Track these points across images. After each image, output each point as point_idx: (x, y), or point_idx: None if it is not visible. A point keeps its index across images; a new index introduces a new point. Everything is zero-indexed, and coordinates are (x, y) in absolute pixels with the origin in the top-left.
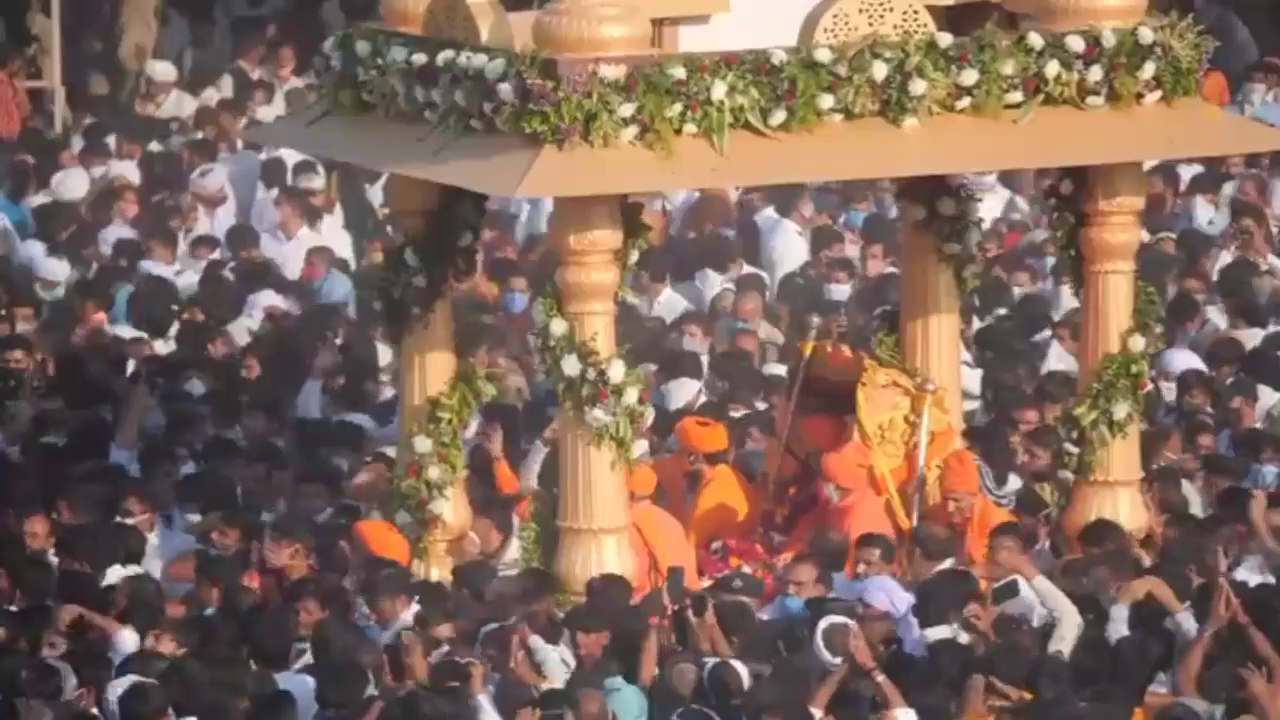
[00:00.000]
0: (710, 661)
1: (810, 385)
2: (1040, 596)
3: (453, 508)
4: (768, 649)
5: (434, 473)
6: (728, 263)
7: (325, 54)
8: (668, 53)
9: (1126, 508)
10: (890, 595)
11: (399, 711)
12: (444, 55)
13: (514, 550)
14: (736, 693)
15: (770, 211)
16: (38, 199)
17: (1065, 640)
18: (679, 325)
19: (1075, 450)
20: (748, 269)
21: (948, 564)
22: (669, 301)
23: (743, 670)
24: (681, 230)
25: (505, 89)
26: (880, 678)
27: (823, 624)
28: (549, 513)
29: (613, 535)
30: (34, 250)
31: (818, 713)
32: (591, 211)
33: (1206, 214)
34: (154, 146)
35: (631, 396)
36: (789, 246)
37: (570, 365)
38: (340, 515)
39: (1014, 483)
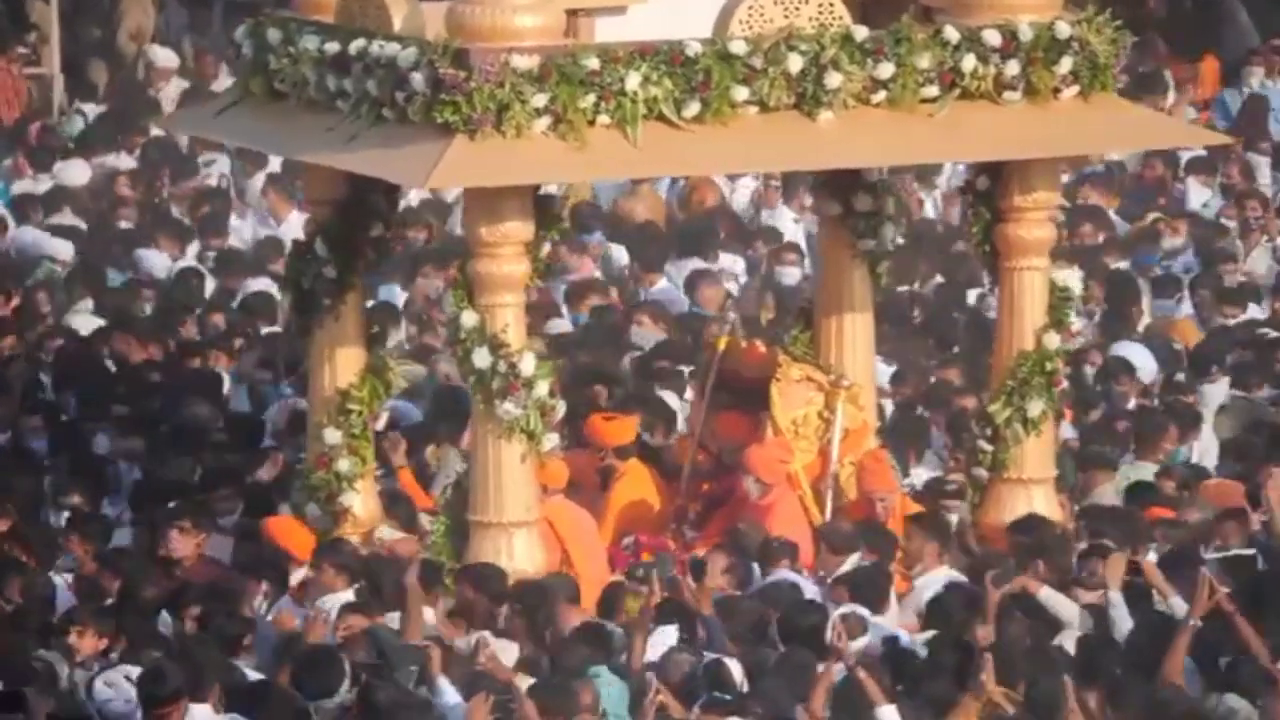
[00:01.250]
0: (709, 656)
1: (724, 380)
2: (1047, 604)
3: (362, 500)
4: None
5: (344, 465)
6: (714, 251)
7: (237, 41)
8: (582, 43)
9: (1041, 505)
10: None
11: (357, 695)
12: (356, 44)
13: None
14: (731, 690)
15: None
16: (41, 184)
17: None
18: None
19: (989, 448)
20: (726, 257)
21: (854, 558)
22: (664, 290)
23: (737, 668)
24: (677, 216)
25: (417, 78)
26: (862, 674)
27: (836, 614)
28: (460, 506)
29: (523, 529)
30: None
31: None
32: (503, 203)
33: (1201, 197)
34: (156, 133)
35: (542, 389)
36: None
37: (481, 358)
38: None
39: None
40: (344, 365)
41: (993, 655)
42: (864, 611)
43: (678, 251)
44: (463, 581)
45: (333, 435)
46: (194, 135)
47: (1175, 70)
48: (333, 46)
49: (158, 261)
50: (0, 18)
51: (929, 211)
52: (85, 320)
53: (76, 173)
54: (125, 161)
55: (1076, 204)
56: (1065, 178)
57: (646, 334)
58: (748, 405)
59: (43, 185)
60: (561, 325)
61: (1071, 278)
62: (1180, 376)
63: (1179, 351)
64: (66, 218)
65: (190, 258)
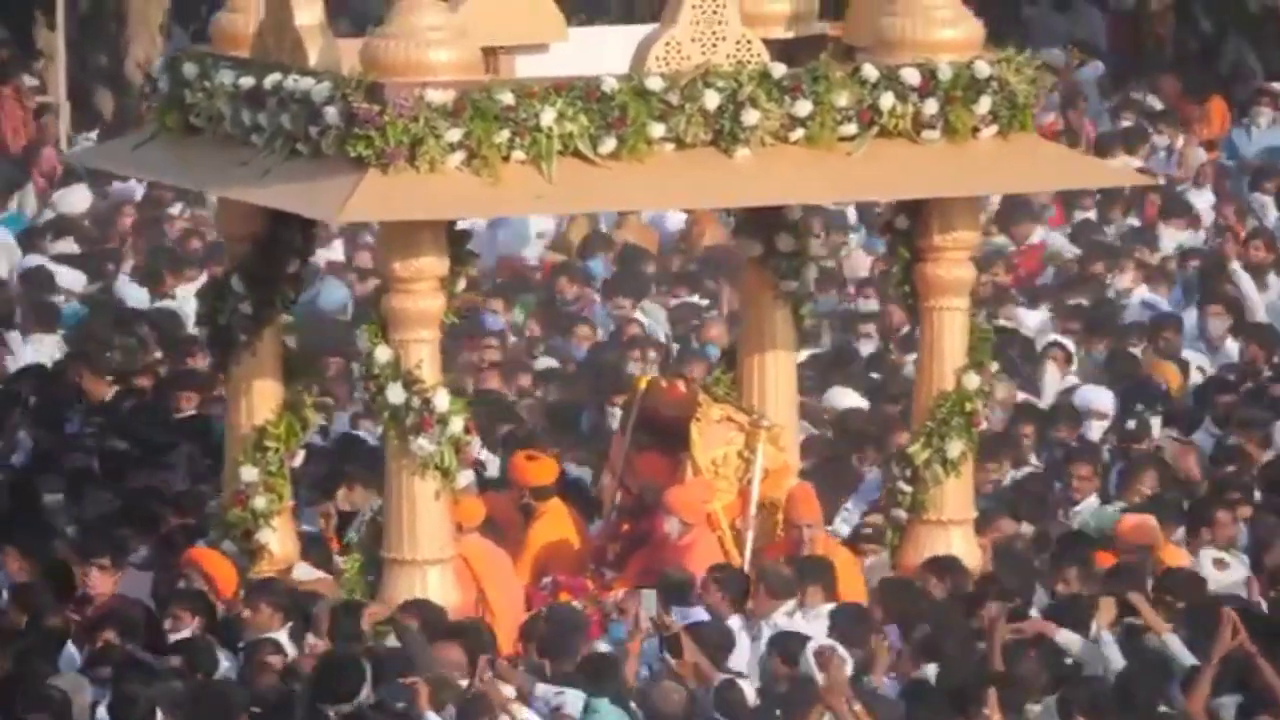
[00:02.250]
0: (719, 678)
1: (645, 420)
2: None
3: (279, 538)
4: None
5: (260, 502)
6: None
7: (153, 76)
8: (497, 78)
9: (960, 546)
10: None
11: None
12: (271, 78)
13: None
14: (743, 712)
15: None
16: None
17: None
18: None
19: (908, 489)
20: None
21: (789, 604)
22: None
23: (749, 689)
24: (675, 248)
25: (331, 112)
26: (857, 706)
27: (811, 645)
28: (373, 542)
29: (436, 566)
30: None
31: None
32: (418, 237)
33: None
34: None
35: (456, 426)
36: None
37: (395, 393)
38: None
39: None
40: (261, 402)
41: (999, 688)
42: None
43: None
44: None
45: (249, 473)
46: (107, 170)
47: (1183, 110)
48: (247, 81)
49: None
50: (7, 46)
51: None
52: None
53: (77, 200)
54: (136, 190)
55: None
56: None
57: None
58: (668, 445)
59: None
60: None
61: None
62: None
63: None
64: (69, 246)
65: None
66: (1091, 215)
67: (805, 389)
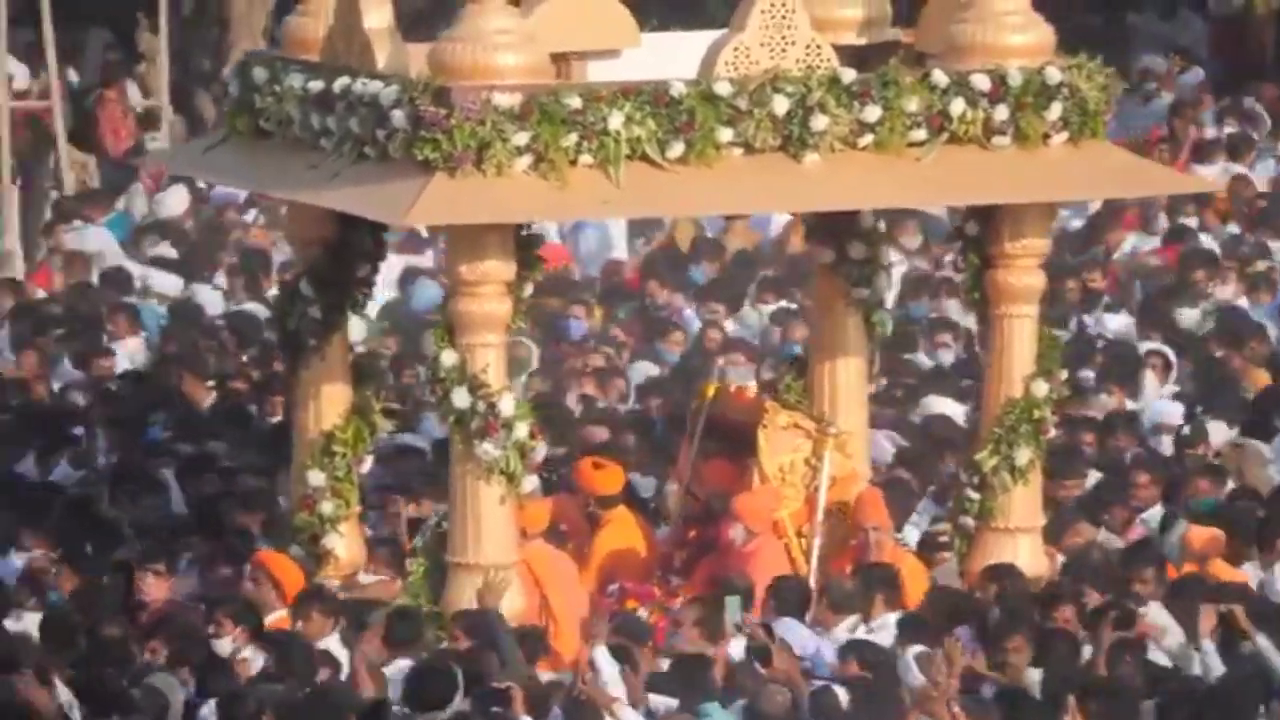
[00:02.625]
0: (816, 684)
1: (712, 427)
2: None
3: (346, 543)
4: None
5: (327, 507)
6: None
7: (224, 80)
8: (564, 82)
9: (1027, 554)
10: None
11: None
12: (340, 82)
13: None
14: (838, 717)
15: None
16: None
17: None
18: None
19: (976, 496)
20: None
21: (852, 620)
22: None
23: (843, 695)
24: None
25: (398, 116)
26: (956, 708)
27: (912, 650)
28: (438, 547)
29: (501, 571)
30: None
31: None
32: (485, 241)
33: None
34: None
35: (522, 431)
36: None
37: (460, 398)
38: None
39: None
40: (329, 406)
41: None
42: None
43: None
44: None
45: (316, 477)
46: (180, 173)
47: None
48: (316, 85)
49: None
50: (111, 50)
51: None
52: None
53: (175, 203)
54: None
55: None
56: None
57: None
58: (735, 452)
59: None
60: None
61: None
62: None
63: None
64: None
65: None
66: (1192, 222)
67: (901, 399)
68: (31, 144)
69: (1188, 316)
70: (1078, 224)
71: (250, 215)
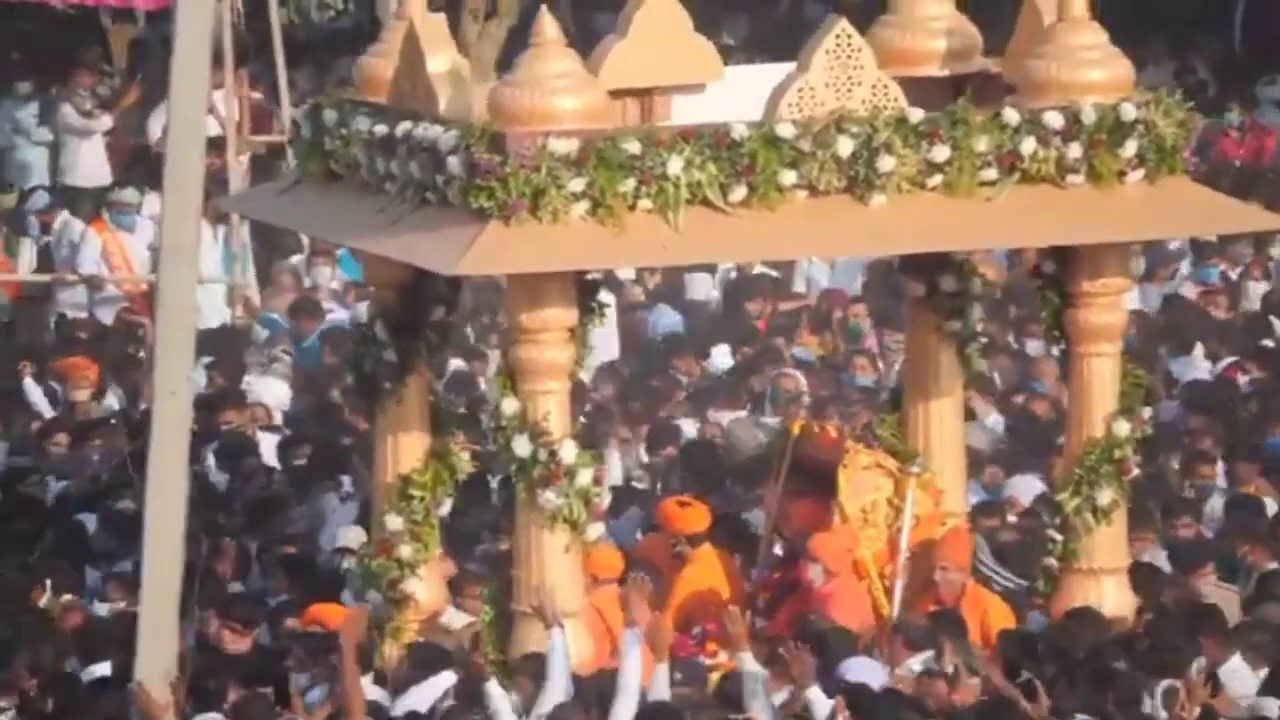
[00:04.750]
0: None
1: (798, 466)
2: None
3: (426, 586)
4: None
5: (405, 551)
6: None
7: (296, 121)
8: (622, 127)
9: (1112, 596)
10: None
11: None
12: (403, 126)
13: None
14: None
15: None
16: None
17: None
18: None
19: (1059, 537)
20: None
21: (926, 655)
22: None
23: None
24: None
25: (454, 162)
26: None
27: (1162, 685)
28: (504, 595)
29: (567, 620)
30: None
31: None
32: (544, 288)
33: None
34: None
35: (585, 478)
36: None
37: (521, 446)
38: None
39: None
40: (407, 450)
41: None
42: None
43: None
44: None
45: (394, 521)
46: (253, 217)
47: None
48: (381, 128)
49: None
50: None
51: None
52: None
53: None
54: None
55: None
56: None
57: None
58: (820, 491)
59: None
60: None
61: None
62: None
63: None
64: None
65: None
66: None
67: None
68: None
69: None
70: None
71: None
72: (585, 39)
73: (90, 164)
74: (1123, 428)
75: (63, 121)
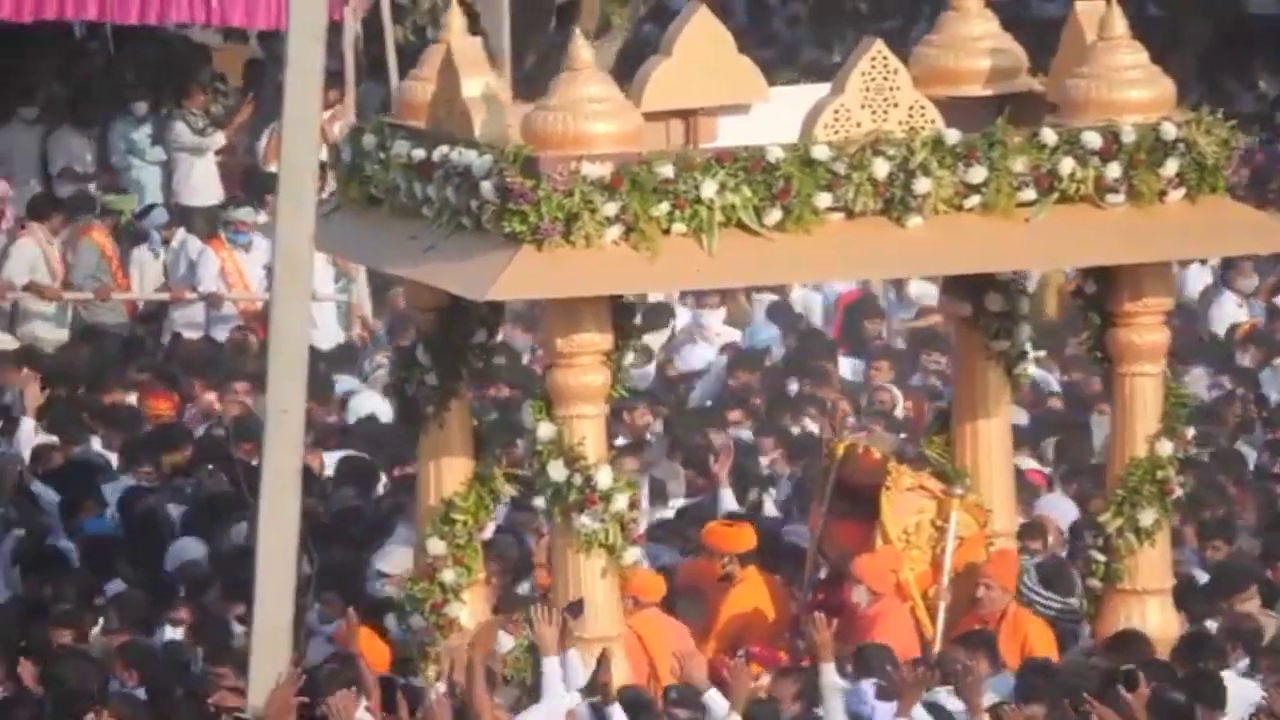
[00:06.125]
0: None
1: (842, 487)
2: None
3: (470, 610)
4: None
5: (449, 575)
6: None
7: (337, 147)
8: (656, 150)
9: (1156, 617)
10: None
11: None
12: (439, 151)
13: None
14: None
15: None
16: None
17: None
18: None
19: (1102, 558)
20: None
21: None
22: None
23: None
24: None
25: (487, 187)
26: None
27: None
28: None
29: (604, 645)
30: None
31: None
32: (579, 312)
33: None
34: None
35: (620, 503)
36: (1225, 318)
37: (557, 471)
38: None
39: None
40: (449, 474)
41: None
42: None
43: None
44: None
45: (436, 546)
46: None
47: None
48: (419, 153)
49: None
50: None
51: None
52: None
53: None
54: None
55: None
56: None
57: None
58: (865, 513)
59: None
60: None
61: None
62: None
63: None
64: None
65: None
66: None
67: None
68: None
69: None
70: None
71: None
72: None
73: (202, 182)
74: (1165, 448)
75: (176, 139)
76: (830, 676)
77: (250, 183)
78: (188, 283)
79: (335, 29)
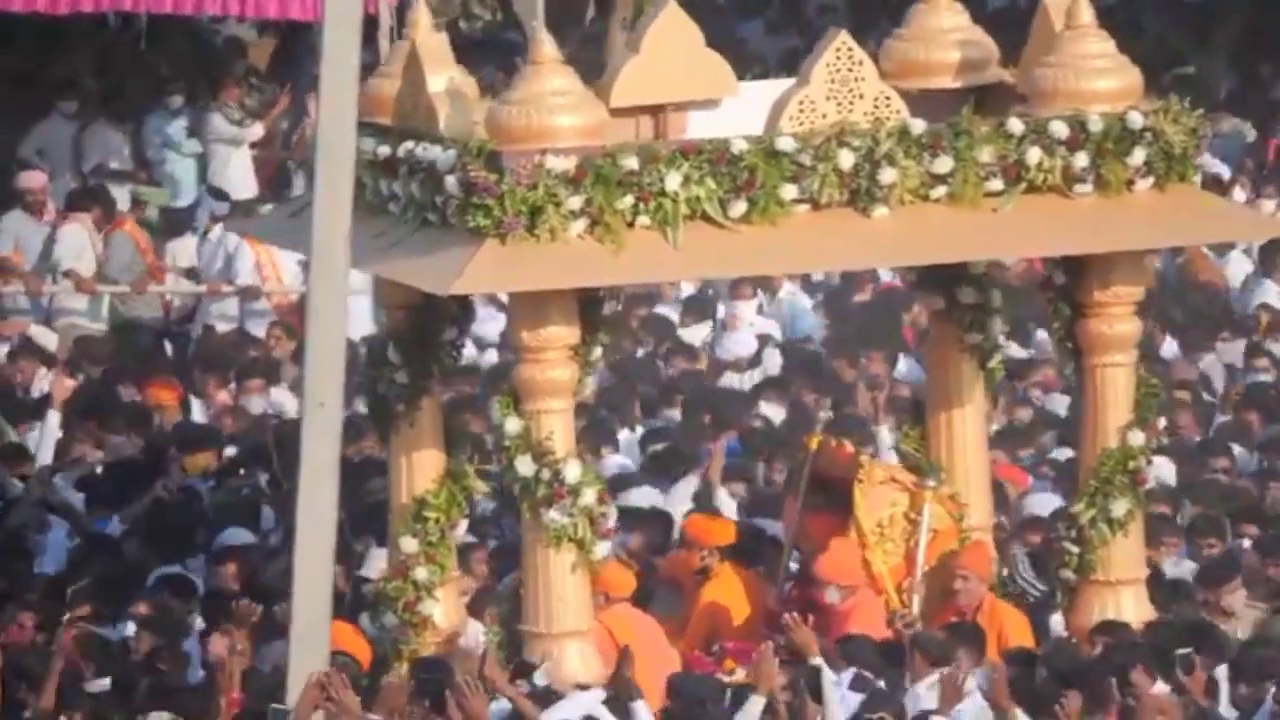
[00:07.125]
0: None
1: (816, 482)
2: None
3: (443, 609)
4: None
5: (421, 574)
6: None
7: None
8: (620, 143)
9: (1130, 607)
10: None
11: None
12: (405, 146)
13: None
14: None
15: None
16: None
17: None
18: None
19: (1075, 549)
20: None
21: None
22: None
23: None
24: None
25: (451, 182)
26: None
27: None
28: (512, 616)
29: (574, 640)
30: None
31: None
32: (546, 306)
33: None
34: None
35: (589, 497)
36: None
37: (524, 466)
38: None
39: None
40: (420, 472)
41: None
42: None
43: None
44: None
45: (409, 544)
46: (266, 240)
47: None
48: (384, 149)
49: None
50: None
51: None
52: None
53: None
54: None
55: None
56: None
57: None
58: (838, 507)
59: None
60: None
61: None
62: None
63: None
64: None
65: None
66: None
67: None
68: None
69: None
70: None
71: None
72: None
73: (238, 175)
74: (1137, 438)
75: (214, 131)
76: (825, 671)
77: (284, 177)
78: (224, 276)
79: (370, 22)
